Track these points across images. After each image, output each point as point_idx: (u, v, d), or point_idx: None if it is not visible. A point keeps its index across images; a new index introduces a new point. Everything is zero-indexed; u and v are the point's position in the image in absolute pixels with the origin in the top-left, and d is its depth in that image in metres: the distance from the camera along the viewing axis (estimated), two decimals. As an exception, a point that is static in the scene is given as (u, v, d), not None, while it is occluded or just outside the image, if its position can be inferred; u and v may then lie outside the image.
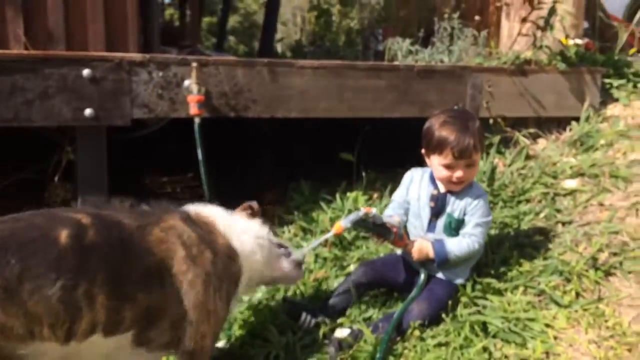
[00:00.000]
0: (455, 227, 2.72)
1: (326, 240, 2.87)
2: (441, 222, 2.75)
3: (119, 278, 1.80)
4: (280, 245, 2.47)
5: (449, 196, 2.74)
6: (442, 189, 2.76)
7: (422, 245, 2.70)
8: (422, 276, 2.68)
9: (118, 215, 1.92)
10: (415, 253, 2.69)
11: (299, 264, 2.53)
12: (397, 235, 2.68)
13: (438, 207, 2.75)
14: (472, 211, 2.69)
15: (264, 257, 2.33)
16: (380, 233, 2.68)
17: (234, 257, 2.18)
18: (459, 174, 2.66)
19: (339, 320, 2.69)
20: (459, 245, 2.66)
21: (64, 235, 1.71)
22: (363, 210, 2.59)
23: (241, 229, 2.26)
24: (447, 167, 2.67)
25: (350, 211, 3.55)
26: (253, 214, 2.38)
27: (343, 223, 2.57)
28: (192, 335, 1.98)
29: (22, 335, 1.66)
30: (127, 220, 1.91)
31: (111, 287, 1.77)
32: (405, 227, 2.85)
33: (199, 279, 1.98)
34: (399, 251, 2.91)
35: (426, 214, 2.79)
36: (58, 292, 1.66)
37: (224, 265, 2.11)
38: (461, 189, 2.72)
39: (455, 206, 2.72)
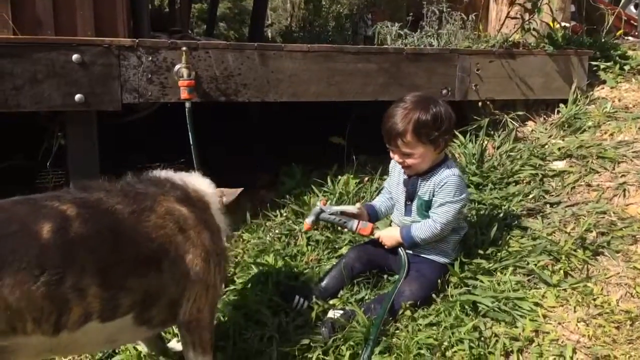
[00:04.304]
0: (426, 209, 2.77)
1: (317, 223, 2.91)
2: (415, 204, 2.80)
3: (112, 268, 1.77)
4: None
5: (420, 180, 2.78)
6: None
7: (390, 233, 2.80)
8: (403, 257, 2.75)
9: (109, 200, 1.88)
10: (385, 240, 2.79)
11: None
12: (359, 223, 2.80)
13: (410, 191, 2.81)
14: (437, 192, 2.72)
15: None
16: (342, 223, 2.82)
17: (221, 235, 2.24)
18: (397, 158, 2.73)
19: (332, 302, 2.72)
20: (422, 228, 2.72)
21: (45, 229, 1.66)
22: (319, 204, 2.83)
23: (218, 207, 2.31)
24: (391, 151, 2.74)
25: (341, 195, 3.59)
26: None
27: (307, 220, 2.81)
28: (189, 310, 2.01)
29: (3, 330, 1.62)
30: (120, 206, 1.88)
31: (104, 277, 1.74)
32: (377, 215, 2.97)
33: (199, 258, 2.00)
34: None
35: (402, 198, 2.85)
36: (41, 287, 1.62)
37: (220, 242, 2.16)
38: (413, 173, 2.76)
39: (425, 189, 2.76)
